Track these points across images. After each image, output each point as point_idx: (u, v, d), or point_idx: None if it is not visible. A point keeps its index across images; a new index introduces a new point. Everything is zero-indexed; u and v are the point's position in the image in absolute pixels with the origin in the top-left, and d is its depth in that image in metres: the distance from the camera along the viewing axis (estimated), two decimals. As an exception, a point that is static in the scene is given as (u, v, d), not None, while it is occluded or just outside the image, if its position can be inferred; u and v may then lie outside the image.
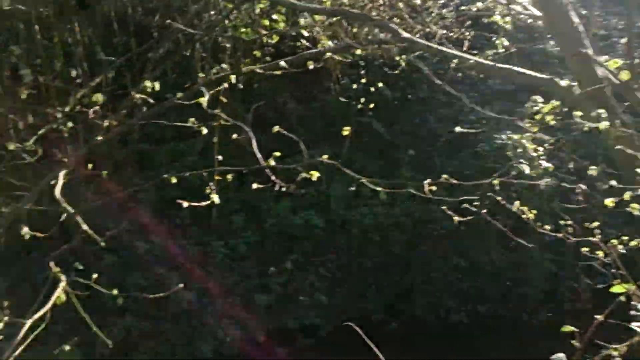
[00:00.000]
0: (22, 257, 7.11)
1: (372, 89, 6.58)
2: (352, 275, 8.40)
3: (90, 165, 5.53)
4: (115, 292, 3.42)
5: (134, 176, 8.15)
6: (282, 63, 4.49)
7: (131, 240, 7.57)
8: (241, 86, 5.24)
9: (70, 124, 4.80)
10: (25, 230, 3.05)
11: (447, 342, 7.77)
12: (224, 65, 4.63)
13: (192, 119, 4.12)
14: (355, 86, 7.24)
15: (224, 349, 7.34)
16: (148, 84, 4.10)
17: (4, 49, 6.85)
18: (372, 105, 6.32)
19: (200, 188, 8.35)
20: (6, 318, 3.47)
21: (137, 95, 4.14)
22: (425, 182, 3.46)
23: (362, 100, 6.40)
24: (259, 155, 3.57)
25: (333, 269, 8.37)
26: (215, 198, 3.48)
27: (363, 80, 6.77)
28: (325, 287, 8.16)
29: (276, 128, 3.94)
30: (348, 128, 4.00)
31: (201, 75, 4.76)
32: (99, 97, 3.98)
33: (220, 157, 5.16)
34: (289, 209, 8.64)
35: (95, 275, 3.24)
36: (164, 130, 9.10)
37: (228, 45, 6.84)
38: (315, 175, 3.64)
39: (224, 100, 4.07)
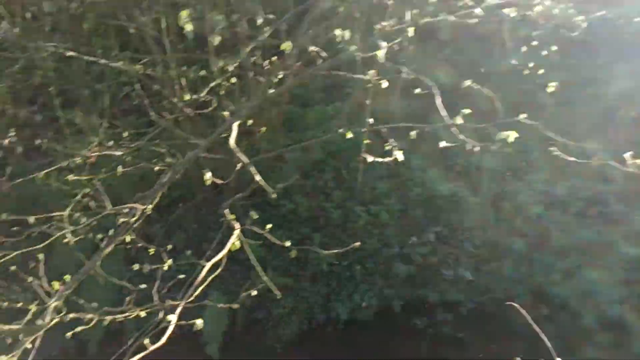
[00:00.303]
0: (178, 206, 7.82)
1: (544, 52, 6.07)
2: (500, 254, 8.01)
3: (250, 121, 5.84)
4: (287, 243, 3.50)
5: (282, 137, 8.50)
6: (466, 14, 4.17)
7: (277, 199, 7.94)
8: (396, 47, 5.09)
9: (233, 79, 4.99)
10: (208, 175, 3.25)
11: (607, 339, 7.16)
12: (385, 23, 4.48)
13: (372, 71, 3.95)
14: (524, 49, 6.72)
15: (359, 314, 7.45)
16: (338, 32, 4.03)
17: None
18: (540, 72, 5.84)
19: (344, 151, 8.51)
20: (170, 261, 3.79)
21: (312, 48, 4.14)
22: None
23: (530, 65, 5.94)
24: (444, 113, 3.36)
25: (480, 245, 8.05)
26: (399, 155, 3.31)
27: (534, 43, 6.25)
28: (470, 263, 7.91)
29: (467, 82, 3.70)
30: (554, 83, 3.66)
31: (378, 27, 4.64)
32: (288, 46, 3.96)
33: (371, 120, 5.11)
34: (436, 179, 8.46)
35: (269, 226, 3.34)
36: (312, 93, 9.38)
37: (390, 2, 6.71)
38: (513, 136, 3.37)
39: (381, 60, 3.91)
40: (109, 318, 2.87)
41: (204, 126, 6.96)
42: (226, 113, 4.26)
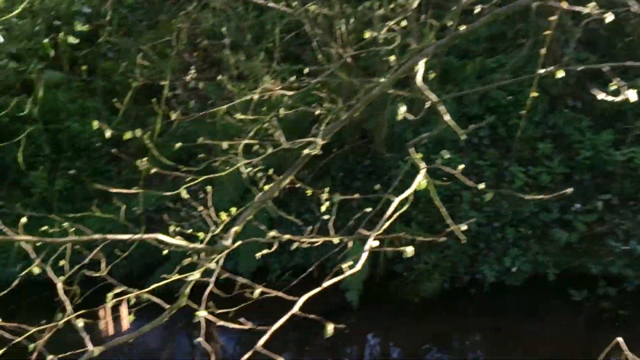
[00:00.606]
0: (327, 153, 8.04)
1: None
2: (682, 231, 7.25)
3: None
4: (481, 186, 3.37)
5: (437, 89, 8.32)
6: None
7: (428, 152, 7.87)
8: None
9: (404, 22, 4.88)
10: (403, 109, 3.25)
11: None
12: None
13: (592, 3, 3.33)
14: None
15: (507, 278, 7.26)
16: None
17: None
18: None
19: (503, 107, 8.10)
20: (331, 198, 3.88)
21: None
22: None
23: None
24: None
25: (657, 219, 7.35)
26: (632, 94, 2.82)
27: None
28: (643, 237, 7.26)
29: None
30: None
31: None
32: None
33: (541, 71, 4.77)
34: (609, 142, 7.80)
35: (461, 166, 3.22)
36: (473, 44, 9.00)
37: None
38: None
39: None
40: (295, 245, 3.03)
41: (359, 72, 7.04)
42: (392, 57, 4.24)
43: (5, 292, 2.85)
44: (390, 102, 7.93)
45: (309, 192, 4.13)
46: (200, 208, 3.59)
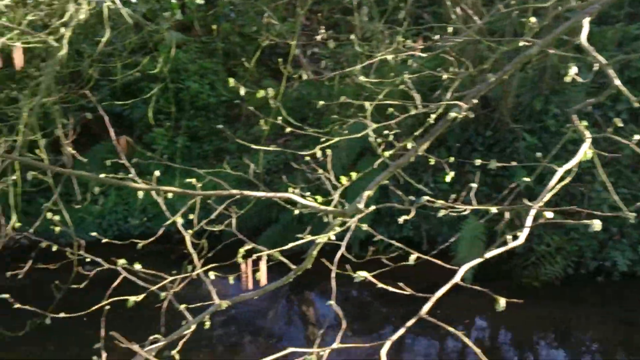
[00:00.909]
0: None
1: None
2: None
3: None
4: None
5: (569, 57, 7.82)
6: None
7: (559, 125, 7.46)
8: None
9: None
10: (573, 70, 3.02)
11: None
12: None
13: None
14: None
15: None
16: None
17: None
18: None
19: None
20: (485, 165, 3.73)
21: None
22: None
23: None
24: None
25: None
26: None
27: None
28: None
29: None
30: None
31: None
32: None
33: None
34: None
35: (637, 137, 2.93)
36: (613, 9, 8.42)
37: None
38: None
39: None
40: (442, 212, 2.92)
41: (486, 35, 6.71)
42: (533, 19, 3.98)
43: (149, 241, 3.03)
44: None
45: (432, 160, 4.00)
46: (320, 171, 3.60)
